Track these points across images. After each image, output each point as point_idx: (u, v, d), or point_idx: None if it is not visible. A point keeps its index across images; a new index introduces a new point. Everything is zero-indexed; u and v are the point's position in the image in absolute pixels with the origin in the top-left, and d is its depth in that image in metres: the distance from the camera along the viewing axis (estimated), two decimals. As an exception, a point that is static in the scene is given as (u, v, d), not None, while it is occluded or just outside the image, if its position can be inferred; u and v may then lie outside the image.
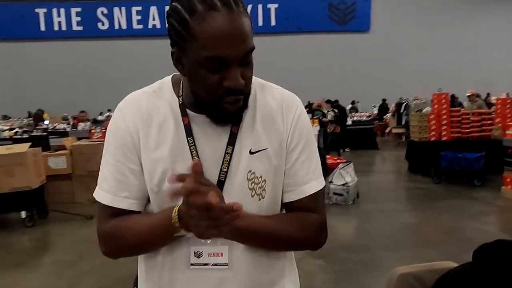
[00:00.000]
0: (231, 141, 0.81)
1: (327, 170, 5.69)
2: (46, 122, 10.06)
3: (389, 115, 14.53)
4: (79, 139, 6.60)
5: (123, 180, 0.82)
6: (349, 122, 11.82)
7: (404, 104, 12.61)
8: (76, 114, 12.36)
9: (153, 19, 18.31)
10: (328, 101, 10.70)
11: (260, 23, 18.52)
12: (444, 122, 7.11)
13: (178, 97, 0.84)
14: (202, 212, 0.66)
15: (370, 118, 13.36)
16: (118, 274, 3.33)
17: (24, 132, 6.56)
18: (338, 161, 6.00)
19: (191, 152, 0.81)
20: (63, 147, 6.11)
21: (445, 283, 1.09)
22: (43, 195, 5.40)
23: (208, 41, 0.69)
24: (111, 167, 0.83)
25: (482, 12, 18.37)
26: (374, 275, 3.32)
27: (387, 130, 14.60)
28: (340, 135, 10.53)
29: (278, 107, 0.86)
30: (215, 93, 0.73)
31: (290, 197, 0.86)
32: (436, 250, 3.86)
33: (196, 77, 0.74)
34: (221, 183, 0.80)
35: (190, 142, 0.81)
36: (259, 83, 0.88)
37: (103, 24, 18.32)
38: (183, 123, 0.82)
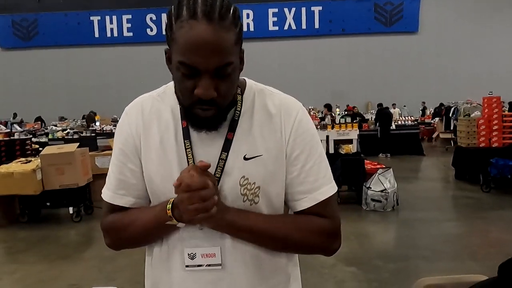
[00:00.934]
0: (226, 147, 0.82)
1: (365, 175, 5.55)
2: (97, 123, 10.67)
3: (437, 119, 13.88)
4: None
5: (122, 179, 0.88)
6: (392, 126, 11.44)
7: (453, 108, 11.99)
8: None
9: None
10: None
11: (304, 26, 18.43)
12: (495, 127, 6.69)
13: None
14: (190, 194, 0.71)
15: (416, 122, 12.85)
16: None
17: (75, 133, 6.99)
18: (378, 166, 5.83)
19: (186, 155, 0.83)
20: (109, 147, 6.43)
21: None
22: (89, 193, 5.72)
23: (182, 47, 0.72)
24: (114, 166, 0.89)
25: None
26: (409, 286, 3.19)
27: (435, 135, 13.96)
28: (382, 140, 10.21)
29: (277, 112, 0.86)
30: (188, 98, 0.76)
31: (302, 205, 0.86)
32: (479, 264, 3.63)
33: (175, 79, 0.78)
34: None
35: (187, 145, 0.83)
36: (259, 89, 0.89)
37: (151, 30, 19.09)
38: (182, 126, 0.84)
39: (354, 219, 5.05)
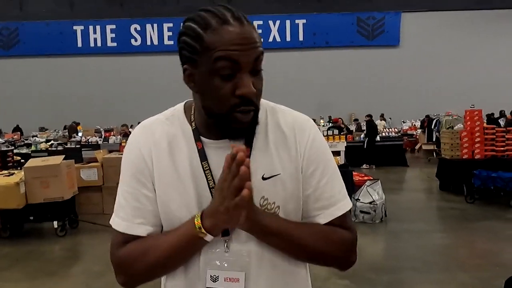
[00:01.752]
0: None
1: (354, 187, 5.60)
2: (80, 134, 10.47)
3: (419, 131, 14.18)
4: (110, 151, 6.80)
5: (138, 206, 0.83)
6: (377, 138, 11.62)
7: (435, 120, 12.28)
8: (109, 127, 12.77)
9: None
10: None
11: (288, 38, 18.67)
12: (478, 139, 6.87)
13: (191, 123, 0.85)
14: (238, 183, 0.70)
15: (399, 134, 13.09)
16: (144, 286, 3.37)
17: (59, 144, 6.84)
18: (365, 178, 5.89)
19: (206, 177, 0.81)
20: (95, 160, 6.31)
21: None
22: (74, 206, 5.58)
23: (220, 46, 0.73)
24: (127, 194, 0.84)
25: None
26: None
27: (417, 146, 14.24)
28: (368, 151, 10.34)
29: (290, 131, 0.86)
30: (228, 103, 0.75)
31: (319, 221, 0.86)
32: (469, 275, 3.69)
33: (208, 89, 0.76)
34: None
35: (205, 166, 0.81)
36: (270, 107, 0.89)
37: (136, 40, 18.99)
38: (197, 148, 0.83)
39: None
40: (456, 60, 17.81)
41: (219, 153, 0.81)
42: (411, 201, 7.08)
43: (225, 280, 0.80)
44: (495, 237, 4.82)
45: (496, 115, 13.57)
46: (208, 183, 0.81)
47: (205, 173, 0.81)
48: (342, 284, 3.51)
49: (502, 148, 6.85)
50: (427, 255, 4.30)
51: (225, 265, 0.81)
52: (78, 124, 14.56)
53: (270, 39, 18.58)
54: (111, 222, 0.86)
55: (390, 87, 17.91)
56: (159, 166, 0.83)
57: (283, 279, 0.84)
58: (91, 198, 6.14)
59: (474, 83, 17.43)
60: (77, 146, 6.95)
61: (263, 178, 0.82)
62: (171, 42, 18.91)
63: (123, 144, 6.88)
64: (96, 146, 7.25)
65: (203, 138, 0.83)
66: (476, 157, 6.85)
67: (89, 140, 7.59)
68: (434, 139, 12.14)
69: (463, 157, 6.97)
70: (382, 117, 15.89)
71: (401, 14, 18.26)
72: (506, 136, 6.94)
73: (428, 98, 17.26)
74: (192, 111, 0.86)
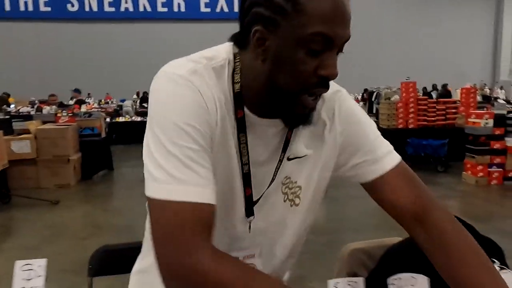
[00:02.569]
0: (285, 147, 0.77)
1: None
2: (12, 106, 9.67)
3: (360, 103, 14.76)
4: (44, 123, 6.39)
5: (209, 168, 0.65)
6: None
7: (375, 93, 12.84)
8: (43, 98, 11.91)
9: (126, 2, 17.77)
10: None
11: (236, 9, 18.33)
12: (412, 110, 7.31)
13: (234, 83, 0.70)
14: None
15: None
16: (84, 259, 3.28)
17: (-14, 115, 6.30)
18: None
19: (240, 151, 0.72)
20: (27, 131, 5.91)
21: (388, 256, 1.15)
22: (6, 180, 5.23)
23: (319, 16, 0.61)
24: (192, 152, 0.63)
25: (455, 5, 18.81)
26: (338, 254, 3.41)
27: (359, 118, 14.84)
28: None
29: (319, 107, 0.78)
30: (306, 81, 0.65)
31: (389, 163, 0.81)
32: (399, 232, 3.96)
33: (287, 61, 0.64)
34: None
35: (242, 139, 0.71)
36: None
37: (72, 6, 17.63)
38: (236, 116, 0.70)
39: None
40: (397, 35, 18.58)
41: (255, 129, 0.72)
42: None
43: (243, 258, 0.78)
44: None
45: (429, 89, 14.44)
46: (242, 159, 0.72)
47: (240, 147, 0.71)
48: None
49: (433, 118, 7.35)
50: (363, 217, 4.59)
51: (247, 245, 0.79)
52: (8, 95, 13.43)
53: (218, 9, 18.13)
54: (160, 192, 0.61)
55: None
56: (217, 125, 0.68)
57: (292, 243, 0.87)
58: (24, 171, 5.78)
59: (413, 57, 18.36)
60: (6, 117, 6.44)
61: (288, 159, 0.77)
62: (112, 9, 17.80)
63: (58, 114, 6.48)
64: (28, 117, 6.74)
65: (245, 108, 0.71)
66: (410, 127, 7.31)
67: (20, 111, 7.04)
68: (374, 111, 12.73)
69: (399, 127, 7.40)
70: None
71: (346, -12, 18.56)
72: (436, 107, 7.45)
73: (370, 71, 17.94)
74: (239, 70, 0.71)
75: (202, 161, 0.63)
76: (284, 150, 0.76)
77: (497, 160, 5.90)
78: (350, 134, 0.81)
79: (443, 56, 18.63)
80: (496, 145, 5.90)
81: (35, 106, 7.47)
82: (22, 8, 17.35)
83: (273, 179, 0.77)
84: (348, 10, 0.65)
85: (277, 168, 0.76)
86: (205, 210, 0.61)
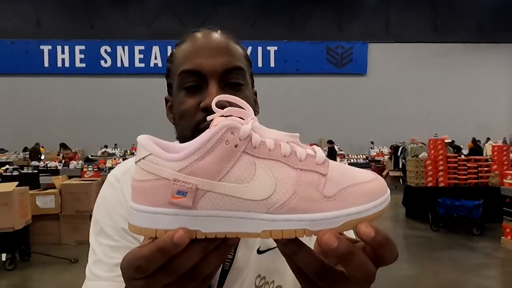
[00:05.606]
0: None
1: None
2: (43, 156, 10.01)
3: (386, 157, 14.50)
4: (70, 177, 6.48)
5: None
6: (345, 163, 11.76)
7: (401, 147, 12.60)
8: (73, 150, 12.28)
9: (155, 58, 18.72)
10: None
11: (260, 64, 18.93)
12: (441, 168, 7.05)
13: None
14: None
15: (367, 160, 13.32)
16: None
17: (14, 169, 6.47)
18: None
19: None
20: (53, 186, 5.98)
21: None
22: (27, 236, 5.21)
23: (182, 57, 0.64)
24: (108, 249, 0.67)
25: (477, 57, 18.84)
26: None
27: (384, 173, 14.50)
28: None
29: None
30: (192, 119, 0.63)
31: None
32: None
33: (176, 109, 0.66)
34: None
35: None
36: None
37: (105, 62, 18.69)
38: None
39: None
40: (420, 89, 18.58)
41: None
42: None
43: None
44: (459, 267, 4.85)
45: (457, 143, 14.09)
46: None
47: None
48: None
49: (464, 177, 7.04)
50: (391, 287, 4.25)
51: None
52: (41, 146, 13.98)
53: (242, 65, 18.79)
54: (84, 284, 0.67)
55: (358, 114, 18.37)
56: None
57: None
58: (46, 227, 5.77)
59: (437, 111, 18.18)
60: (34, 171, 6.59)
61: (259, 252, 0.66)
62: (142, 65, 18.74)
63: (84, 169, 6.58)
64: (55, 172, 6.89)
65: None
66: (440, 185, 7.00)
67: (48, 165, 7.23)
68: (400, 166, 12.41)
69: (428, 185, 7.11)
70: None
71: (368, 45, 18.97)
72: (467, 164, 7.16)
73: (394, 125, 17.79)
74: None
75: (119, 256, 0.61)
76: None
77: (539, 224, 5.49)
78: None
79: (467, 109, 18.36)
80: (536, 208, 5.52)
81: (63, 161, 7.69)
82: (59, 64, 18.51)
83: (241, 284, 0.62)
84: (219, 41, 0.65)
85: (228, 261, 0.62)
86: None
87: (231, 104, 0.47)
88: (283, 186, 0.42)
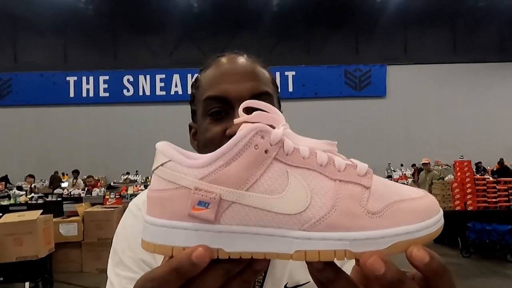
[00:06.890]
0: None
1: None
2: (65, 184, 10.19)
3: (410, 180, 14.12)
4: (93, 204, 6.56)
5: None
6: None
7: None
8: (96, 177, 12.48)
9: (176, 86, 19.14)
10: None
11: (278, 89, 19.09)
12: (469, 190, 6.78)
13: None
14: None
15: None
16: None
17: (39, 197, 6.60)
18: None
19: None
20: (76, 213, 6.05)
21: None
22: (50, 265, 5.24)
23: (207, 83, 0.62)
24: (125, 281, 0.65)
25: (500, 76, 18.47)
26: None
27: (409, 196, 14.13)
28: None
29: None
30: (217, 147, 0.56)
31: None
32: None
33: (202, 136, 0.63)
34: None
35: None
36: None
37: (128, 91, 19.22)
38: None
39: None
40: (442, 110, 18.25)
41: None
42: (405, 256, 6.82)
43: None
44: (494, 296, 4.58)
45: (484, 164, 13.65)
46: None
47: None
48: None
49: (494, 200, 6.75)
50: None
51: None
52: (63, 174, 14.31)
53: (261, 90, 18.96)
54: None
55: (378, 137, 18.13)
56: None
57: None
58: (68, 254, 5.80)
59: (461, 132, 17.75)
60: (58, 199, 6.70)
61: None
62: (163, 93, 19.19)
63: (106, 196, 6.65)
64: (78, 199, 6.99)
65: None
66: (468, 209, 6.72)
67: (72, 193, 7.38)
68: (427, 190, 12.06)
69: (456, 209, 6.84)
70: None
71: (386, 67, 18.91)
72: (497, 187, 6.87)
73: (416, 148, 17.43)
74: None
75: None
76: (264, 274, 0.58)
77: None
78: None
79: (493, 130, 17.87)
80: None
81: (85, 188, 7.84)
82: (84, 94, 19.16)
83: None
84: (244, 65, 0.63)
85: None
86: None
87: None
88: (320, 199, 0.37)
